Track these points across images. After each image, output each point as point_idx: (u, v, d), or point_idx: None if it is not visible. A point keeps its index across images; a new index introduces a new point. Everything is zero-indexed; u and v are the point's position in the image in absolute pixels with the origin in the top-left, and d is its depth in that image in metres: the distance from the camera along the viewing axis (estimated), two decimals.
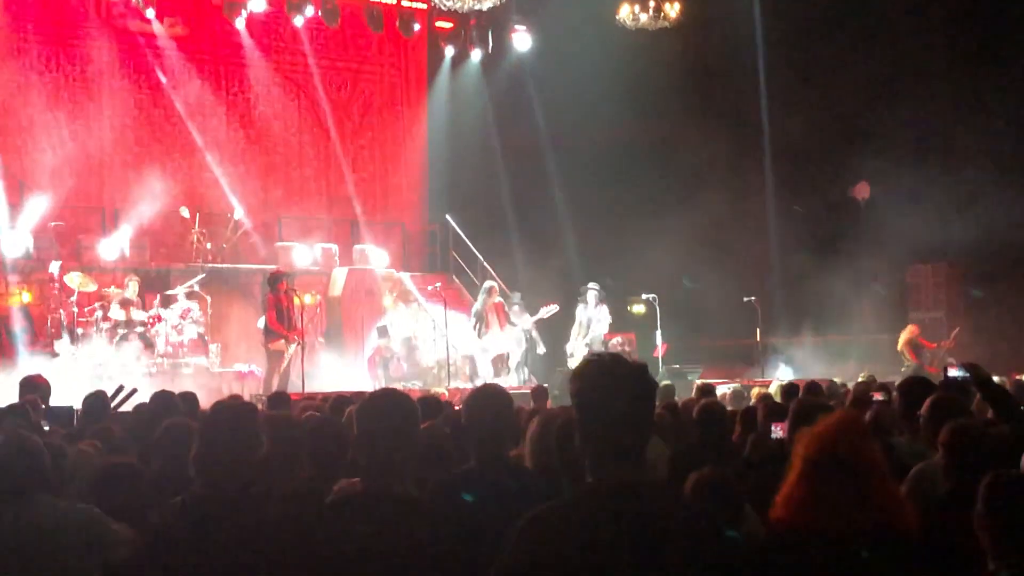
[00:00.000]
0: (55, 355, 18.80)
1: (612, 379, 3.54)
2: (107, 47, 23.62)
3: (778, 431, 7.22)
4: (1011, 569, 4.08)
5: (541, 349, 21.72)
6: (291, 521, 4.51)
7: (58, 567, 4.99)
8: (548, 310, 21.23)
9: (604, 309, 21.16)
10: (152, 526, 4.99)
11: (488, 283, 21.23)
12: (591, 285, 21.19)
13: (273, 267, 22.62)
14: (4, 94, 22.51)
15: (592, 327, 20.94)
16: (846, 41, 25.15)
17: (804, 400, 7.72)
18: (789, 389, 11.65)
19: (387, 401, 4.46)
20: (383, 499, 4.21)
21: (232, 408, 5.24)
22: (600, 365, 3.60)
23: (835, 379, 15.70)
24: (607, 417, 3.50)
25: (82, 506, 5.22)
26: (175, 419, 7.43)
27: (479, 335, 20.87)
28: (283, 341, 18.66)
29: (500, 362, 20.88)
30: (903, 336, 22.58)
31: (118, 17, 23.61)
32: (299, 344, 18.93)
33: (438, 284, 23.08)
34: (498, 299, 21.14)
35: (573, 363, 20.54)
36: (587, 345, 20.72)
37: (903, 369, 21.25)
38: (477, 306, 21.07)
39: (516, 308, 21.56)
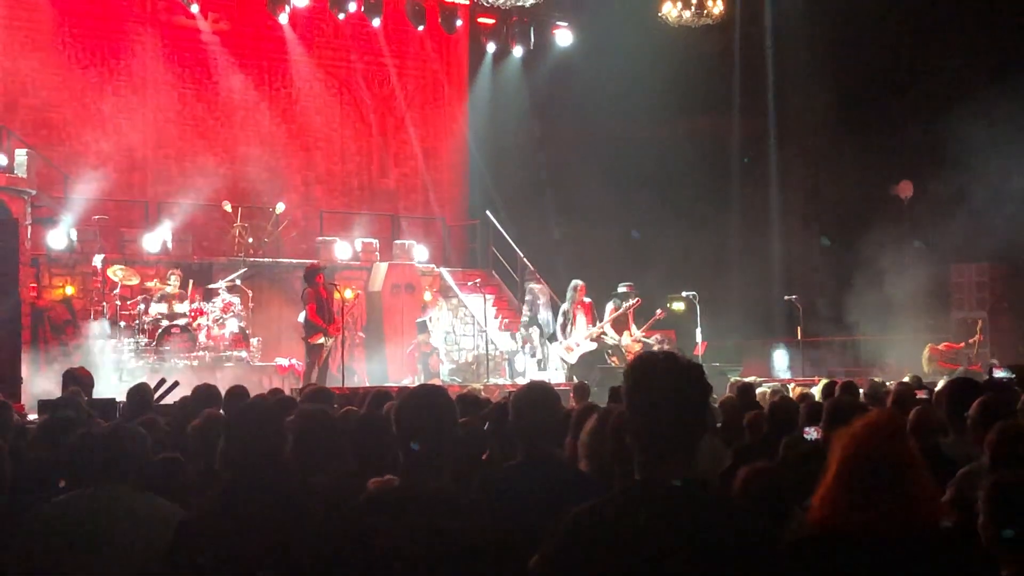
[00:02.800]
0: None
1: (669, 376, 3.52)
2: (151, 42, 23.78)
3: (812, 433, 7.18)
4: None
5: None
6: (327, 517, 4.51)
7: (131, 556, 5.04)
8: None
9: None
10: (191, 518, 5.02)
11: (575, 281, 20.77)
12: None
13: (313, 261, 22.75)
14: (48, 88, 22.68)
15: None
16: (892, 37, 24.96)
17: (839, 400, 7.67)
18: (830, 388, 11.56)
19: (425, 398, 4.47)
20: (418, 495, 4.21)
21: (255, 405, 5.27)
22: (653, 363, 3.57)
23: (876, 378, 15.59)
24: (658, 415, 3.48)
25: (161, 501, 5.28)
26: (209, 411, 7.49)
27: (566, 334, 20.58)
28: (322, 335, 18.71)
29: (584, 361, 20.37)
30: (925, 365, 21.96)
31: (162, 12, 23.79)
32: (337, 338, 19.00)
33: (478, 280, 23.09)
34: (587, 298, 20.82)
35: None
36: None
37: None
38: (565, 305, 20.79)
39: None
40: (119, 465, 5.23)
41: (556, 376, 21.88)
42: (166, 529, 4.80)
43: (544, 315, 22.57)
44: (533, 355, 22.65)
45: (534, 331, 22.35)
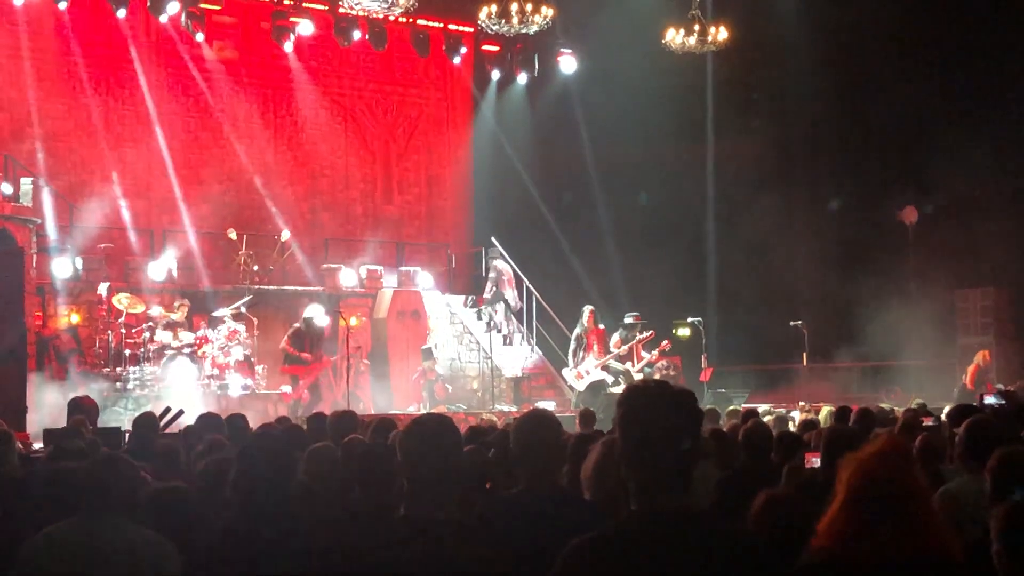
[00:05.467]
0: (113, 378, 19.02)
1: (658, 405, 3.50)
2: (156, 71, 23.88)
3: (814, 461, 7.15)
4: None
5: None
6: (335, 546, 4.51)
7: None
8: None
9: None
10: (197, 549, 5.01)
11: (586, 307, 20.77)
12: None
13: (318, 289, 22.84)
14: (54, 118, 22.77)
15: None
16: (895, 64, 24.98)
17: (834, 429, 7.66)
18: (839, 415, 11.53)
19: (430, 427, 4.46)
20: (425, 524, 4.20)
21: (268, 436, 5.27)
22: (646, 392, 3.56)
23: (883, 405, 15.56)
24: (651, 445, 3.46)
25: (149, 532, 5.26)
26: (215, 437, 7.49)
27: (576, 360, 20.58)
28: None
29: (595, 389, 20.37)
30: (972, 369, 21.44)
31: (168, 41, 23.87)
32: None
33: (483, 307, 23.11)
34: (601, 324, 20.83)
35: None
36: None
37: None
38: (577, 330, 20.80)
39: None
40: (111, 495, 5.21)
41: (521, 351, 23.31)
42: (157, 560, 4.80)
43: (510, 292, 23.29)
44: (499, 331, 23.28)
45: (500, 307, 23.12)
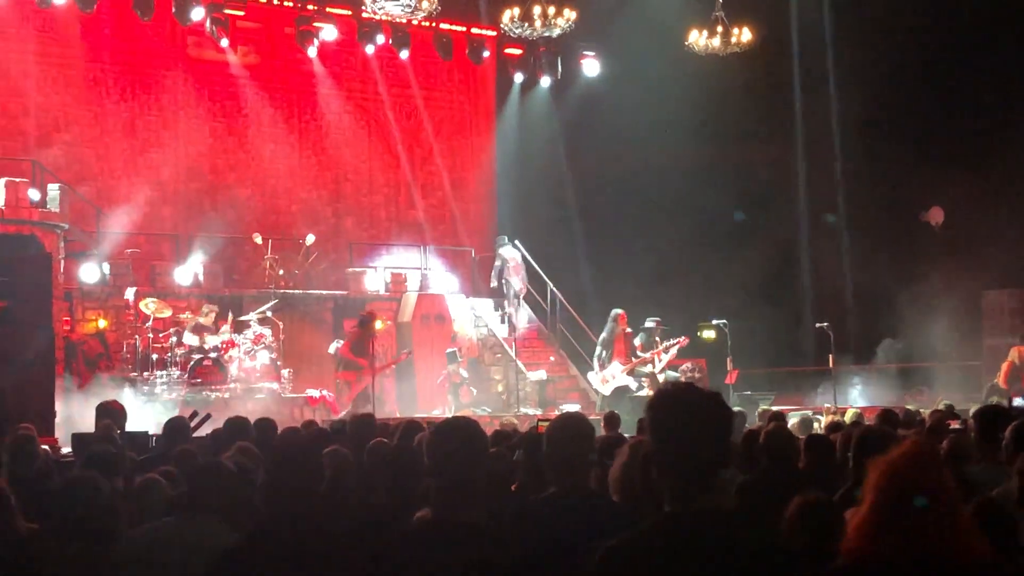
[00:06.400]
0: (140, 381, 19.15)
1: (688, 407, 3.54)
2: (182, 77, 23.98)
3: None
4: None
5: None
6: (362, 549, 4.53)
7: None
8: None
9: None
10: (224, 554, 5.04)
11: (615, 311, 20.68)
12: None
13: (343, 293, 22.92)
14: (81, 124, 22.89)
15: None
16: (920, 63, 24.91)
17: (868, 428, 7.64)
18: (884, 417, 11.44)
19: (456, 430, 4.48)
20: (452, 527, 4.22)
21: (296, 440, 5.32)
22: (675, 393, 3.61)
23: (909, 406, 15.49)
24: (684, 446, 3.50)
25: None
26: (243, 445, 7.53)
27: (602, 364, 20.56)
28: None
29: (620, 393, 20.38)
30: (1006, 366, 21.17)
31: (193, 47, 23.97)
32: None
33: (509, 310, 23.14)
34: (628, 329, 20.80)
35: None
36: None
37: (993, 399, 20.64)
38: (605, 334, 20.76)
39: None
40: (208, 497, 5.33)
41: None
42: None
43: (514, 278, 23.39)
44: (502, 319, 23.83)
45: (514, 302, 23.50)
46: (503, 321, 23.68)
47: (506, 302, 23.72)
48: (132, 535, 5.34)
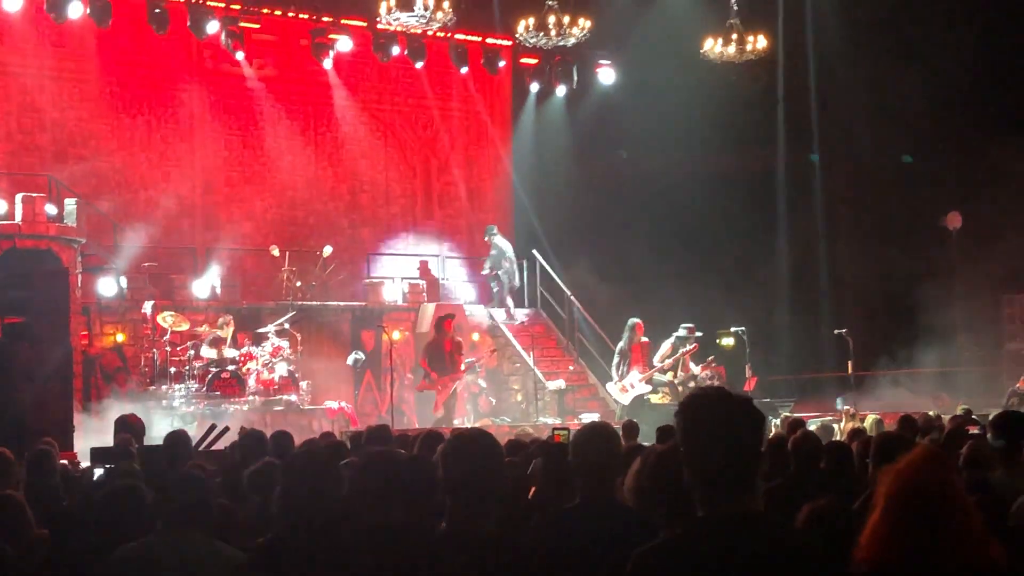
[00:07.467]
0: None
1: (722, 412, 3.57)
2: (197, 90, 24.05)
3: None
4: None
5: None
6: (379, 561, 4.51)
7: None
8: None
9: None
10: (239, 567, 5.03)
11: (632, 320, 20.70)
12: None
13: (361, 304, 22.93)
14: (97, 138, 22.96)
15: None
16: (936, 68, 24.82)
17: (887, 435, 7.60)
18: (903, 423, 11.39)
19: (471, 442, 4.46)
20: (468, 538, 4.20)
21: (313, 451, 5.30)
22: (707, 398, 3.64)
23: (929, 412, 15.42)
24: (719, 450, 3.52)
25: (229, 547, 5.35)
26: (265, 460, 7.51)
27: (620, 374, 20.55)
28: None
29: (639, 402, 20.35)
30: None
31: (208, 60, 24.04)
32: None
33: (524, 320, 23.11)
34: (644, 339, 20.79)
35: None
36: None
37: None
38: (622, 344, 20.75)
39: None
40: (193, 511, 5.30)
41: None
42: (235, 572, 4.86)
43: (509, 268, 23.80)
44: (499, 306, 24.09)
45: (496, 283, 23.89)
46: (499, 305, 24.13)
47: (501, 289, 24.06)
48: (122, 554, 5.28)
